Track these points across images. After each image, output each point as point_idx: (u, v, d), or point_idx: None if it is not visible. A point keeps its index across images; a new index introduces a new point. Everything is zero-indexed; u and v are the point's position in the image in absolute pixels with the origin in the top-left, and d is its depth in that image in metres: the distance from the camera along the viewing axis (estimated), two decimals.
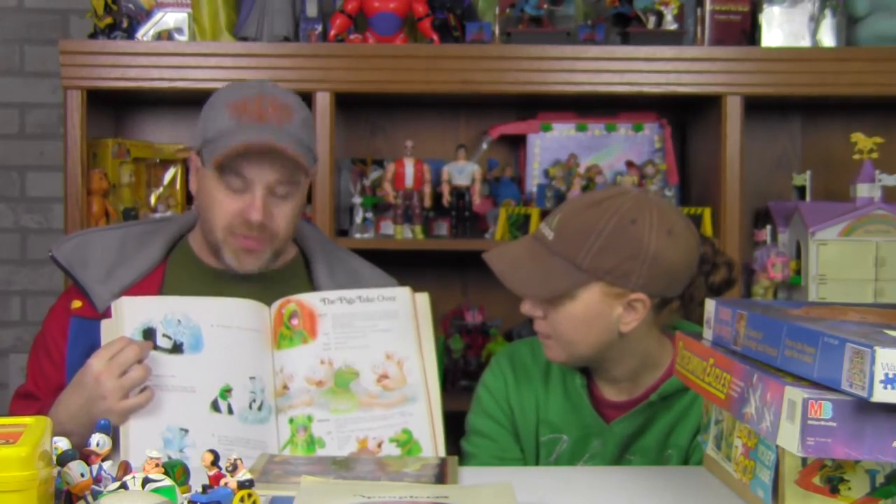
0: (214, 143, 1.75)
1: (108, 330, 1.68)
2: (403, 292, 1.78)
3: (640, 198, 1.65)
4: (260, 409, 1.67)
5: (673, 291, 1.67)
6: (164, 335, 1.66)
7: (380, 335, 1.73)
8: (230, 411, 1.65)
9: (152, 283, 1.81)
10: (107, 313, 1.73)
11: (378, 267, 1.97)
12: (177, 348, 1.67)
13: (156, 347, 1.65)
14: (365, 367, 1.71)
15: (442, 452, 1.69)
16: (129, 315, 1.67)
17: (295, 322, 1.73)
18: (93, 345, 1.66)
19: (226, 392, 1.66)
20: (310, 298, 1.75)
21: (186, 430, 1.62)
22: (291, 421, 1.68)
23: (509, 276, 1.68)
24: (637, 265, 1.62)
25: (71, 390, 1.65)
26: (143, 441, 1.59)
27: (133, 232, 1.87)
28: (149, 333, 1.65)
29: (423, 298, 1.78)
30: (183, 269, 1.84)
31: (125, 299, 1.70)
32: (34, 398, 1.79)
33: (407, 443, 1.69)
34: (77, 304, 1.79)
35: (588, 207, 1.65)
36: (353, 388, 1.70)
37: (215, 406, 1.65)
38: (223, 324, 1.70)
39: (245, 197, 1.75)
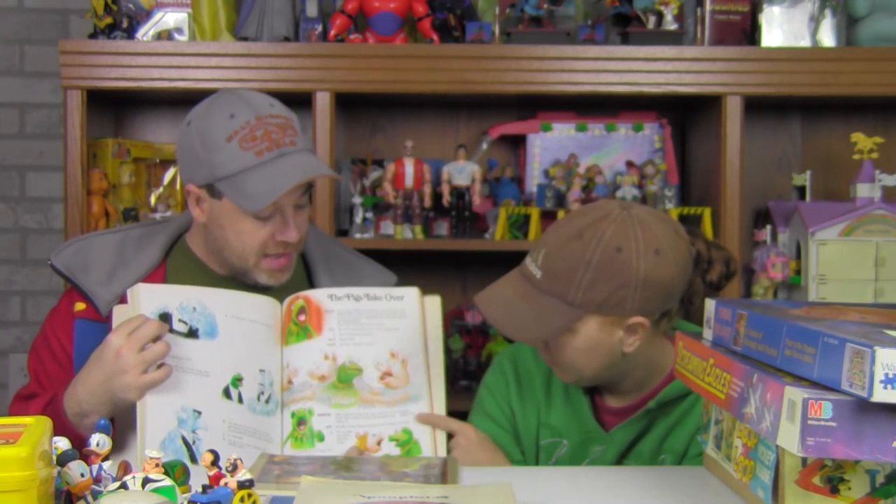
0: (238, 182, 1.72)
1: (122, 315, 1.68)
2: (412, 293, 1.78)
3: (621, 220, 1.60)
4: (268, 401, 1.68)
5: (671, 304, 1.66)
6: (179, 320, 1.67)
7: (386, 333, 1.74)
8: (240, 400, 1.67)
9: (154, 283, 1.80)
10: (110, 316, 1.73)
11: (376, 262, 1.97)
12: (192, 333, 1.68)
13: (171, 331, 1.66)
14: (368, 364, 1.72)
15: (442, 455, 1.69)
16: (146, 300, 1.67)
17: (302, 318, 1.74)
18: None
19: (237, 381, 1.67)
20: (318, 294, 1.76)
21: (200, 413, 1.63)
22: (293, 415, 1.69)
23: (503, 321, 1.64)
24: (630, 292, 1.59)
25: (89, 368, 1.65)
26: (159, 418, 1.61)
27: (131, 235, 1.87)
28: (165, 318, 1.66)
29: (434, 302, 1.78)
30: (184, 270, 1.84)
31: (141, 285, 1.71)
32: (37, 399, 1.77)
33: (407, 443, 1.69)
34: (81, 306, 1.79)
35: (571, 240, 1.61)
36: (355, 384, 1.71)
37: (227, 393, 1.66)
38: (237, 315, 1.71)
39: (274, 220, 1.75)
